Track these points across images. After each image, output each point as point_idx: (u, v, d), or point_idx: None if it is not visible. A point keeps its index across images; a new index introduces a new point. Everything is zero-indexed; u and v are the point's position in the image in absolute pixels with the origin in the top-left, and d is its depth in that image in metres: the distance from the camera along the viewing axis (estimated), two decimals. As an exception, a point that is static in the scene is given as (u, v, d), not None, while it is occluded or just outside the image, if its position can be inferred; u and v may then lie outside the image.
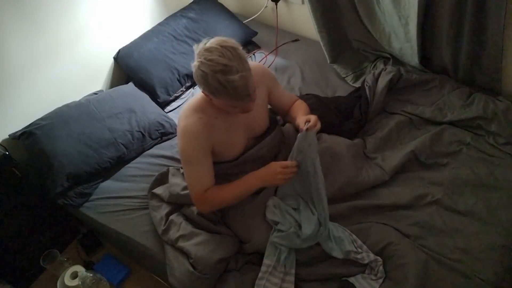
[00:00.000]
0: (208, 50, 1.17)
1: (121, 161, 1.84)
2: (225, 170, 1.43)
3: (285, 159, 1.38)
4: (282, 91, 1.58)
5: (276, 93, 1.52)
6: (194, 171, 1.36)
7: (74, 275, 1.66)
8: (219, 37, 1.21)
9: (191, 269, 1.33)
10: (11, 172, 1.67)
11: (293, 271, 1.32)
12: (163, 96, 2.07)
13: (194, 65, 1.21)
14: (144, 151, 1.90)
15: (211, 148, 1.35)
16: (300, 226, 1.33)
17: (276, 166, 1.32)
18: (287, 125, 1.62)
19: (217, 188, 1.37)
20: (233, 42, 1.20)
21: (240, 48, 1.20)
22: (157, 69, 2.08)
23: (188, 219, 1.48)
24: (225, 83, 1.16)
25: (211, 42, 1.19)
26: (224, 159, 1.42)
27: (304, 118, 1.35)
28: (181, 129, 1.34)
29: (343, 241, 1.31)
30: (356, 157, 1.55)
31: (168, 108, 2.11)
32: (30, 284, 1.91)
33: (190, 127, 1.31)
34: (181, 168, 1.64)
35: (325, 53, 2.09)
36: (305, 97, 1.74)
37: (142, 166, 1.84)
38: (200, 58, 1.18)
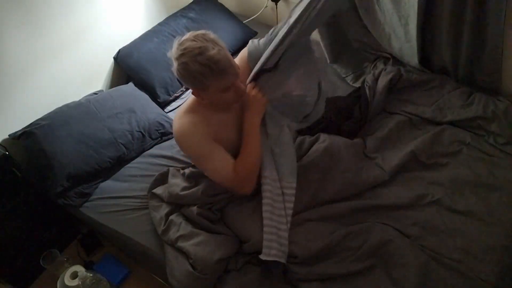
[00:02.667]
0: (180, 44, 1.20)
1: (121, 161, 1.84)
2: None
3: None
4: None
5: None
6: (213, 161, 1.34)
7: (74, 275, 1.66)
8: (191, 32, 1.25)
9: (191, 269, 1.33)
10: (11, 172, 1.67)
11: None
12: (163, 96, 2.08)
13: (174, 67, 1.23)
14: (144, 151, 1.90)
15: (212, 136, 1.34)
16: None
17: (250, 95, 1.33)
18: None
19: (241, 160, 1.35)
20: (202, 31, 1.23)
21: (212, 33, 1.24)
22: (157, 69, 2.09)
23: (188, 219, 1.48)
24: (206, 62, 1.18)
25: (181, 39, 1.23)
26: None
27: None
28: (176, 131, 1.34)
29: None
30: (356, 157, 1.55)
31: (168, 108, 2.11)
32: (30, 284, 1.91)
33: (184, 126, 1.32)
34: (182, 168, 1.64)
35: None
36: (305, 97, 1.74)
37: (142, 166, 1.84)
38: (176, 55, 1.21)
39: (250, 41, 1.42)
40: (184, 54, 1.18)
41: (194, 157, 1.39)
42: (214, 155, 1.33)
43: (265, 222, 1.34)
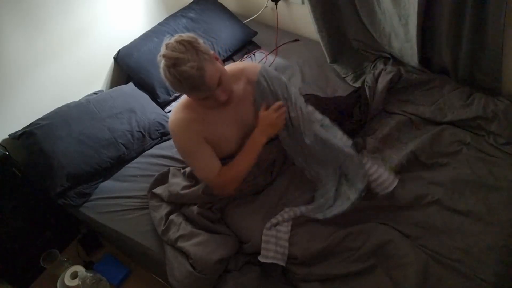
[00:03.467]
0: (165, 46, 1.21)
1: (121, 161, 1.84)
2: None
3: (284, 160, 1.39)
4: None
5: None
6: (199, 159, 1.38)
7: (74, 275, 1.66)
8: (180, 34, 1.24)
9: (191, 269, 1.33)
10: (11, 172, 1.67)
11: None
12: (163, 96, 2.07)
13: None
14: (144, 151, 1.90)
15: (205, 135, 1.36)
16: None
17: (269, 113, 1.36)
18: None
19: (228, 166, 1.38)
20: (190, 36, 1.22)
21: (198, 41, 1.22)
22: (157, 69, 2.01)
23: (188, 219, 1.48)
24: (177, 75, 1.18)
25: (170, 39, 1.23)
26: (220, 154, 1.41)
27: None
28: (170, 126, 1.38)
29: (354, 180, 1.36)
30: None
31: (168, 108, 2.11)
32: (30, 284, 1.90)
33: (177, 121, 1.35)
34: (182, 168, 1.64)
35: (325, 53, 2.09)
36: (305, 97, 1.74)
37: (142, 166, 1.84)
38: (159, 57, 1.21)
39: (262, 68, 1.42)
40: (162, 61, 1.20)
41: (182, 153, 1.43)
42: (201, 155, 1.36)
43: (266, 225, 1.35)
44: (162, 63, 1.21)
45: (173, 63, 1.17)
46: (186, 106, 1.37)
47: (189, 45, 1.19)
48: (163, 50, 1.21)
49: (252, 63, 1.49)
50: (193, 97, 1.30)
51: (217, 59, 1.28)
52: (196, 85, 1.20)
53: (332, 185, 1.41)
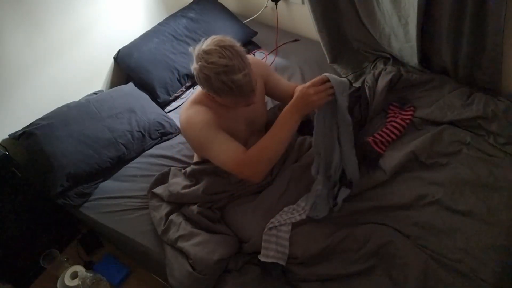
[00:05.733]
0: (207, 52, 1.17)
1: (121, 161, 1.84)
2: None
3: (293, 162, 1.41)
4: (278, 78, 1.57)
5: (272, 80, 1.52)
6: (220, 144, 1.28)
7: (74, 275, 1.66)
8: (215, 37, 1.21)
9: (191, 269, 1.33)
10: (11, 172, 1.67)
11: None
12: (163, 96, 2.07)
13: (194, 68, 1.21)
14: (144, 151, 1.90)
15: (219, 125, 1.31)
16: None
17: (305, 88, 1.18)
18: None
19: (256, 145, 1.25)
20: (229, 40, 1.20)
21: (238, 44, 1.21)
22: (157, 69, 2.08)
23: (187, 219, 1.48)
24: (229, 83, 1.16)
25: (208, 43, 1.19)
26: None
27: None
28: (183, 122, 1.34)
29: None
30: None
31: (168, 108, 2.11)
32: (30, 284, 1.90)
33: (191, 115, 1.32)
34: (182, 168, 1.64)
35: (325, 53, 2.09)
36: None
37: (142, 166, 1.84)
38: (200, 61, 1.18)
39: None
40: (208, 67, 1.16)
41: (199, 143, 1.33)
42: (220, 139, 1.29)
43: (268, 225, 1.35)
44: (205, 69, 1.17)
45: (224, 71, 1.15)
46: (197, 102, 1.35)
47: (234, 51, 1.17)
48: (206, 56, 1.16)
49: (251, 57, 1.47)
50: (229, 100, 1.26)
51: None
52: (246, 92, 1.20)
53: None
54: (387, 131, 1.61)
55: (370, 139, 1.59)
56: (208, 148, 1.31)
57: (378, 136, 1.60)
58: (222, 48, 1.16)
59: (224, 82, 1.17)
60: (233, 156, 1.27)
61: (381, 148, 1.57)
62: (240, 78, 1.16)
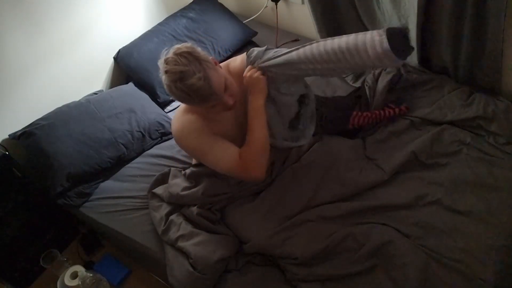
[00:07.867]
0: (165, 62, 1.18)
1: (121, 161, 1.84)
2: None
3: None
4: None
5: None
6: (216, 150, 1.32)
7: (74, 275, 1.66)
8: (176, 45, 1.21)
9: (191, 269, 1.33)
10: (11, 172, 1.67)
11: None
12: (163, 96, 2.07)
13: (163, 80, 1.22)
14: (144, 151, 1.90)
15: (212, 131, 1.33)
16: None
17: (246, 77, 1.32)
18: None
19: (245, 146, 1.32)
20: (188, 46, 1.21)
21: (196, 49, 1.21)
22: (157, 69, 2.03)
23: (188, 219, 1.48)
24: (185, 89, 1.17)
25: (168, 53, 1.20)
26: None
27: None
28: (176, 132, 1.35)
29: None
30: (356, 158, 1.55)
31: (168, 108, 2.11)
32: (30, 284, 1.91)
33: (183, 124, 1.34)
34: (183, 169, 1.64)
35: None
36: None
37: (142, 166, 1.84)
38: (161, 72, 1.20)
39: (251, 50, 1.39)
40: (166, 77, 1.18)
41: (195, 152, 1.38)
42: (216, 145, 1.32)
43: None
44: (165, 79, 1.19)
45: (179, 78, 1.15)
46: (187, 111, 1.35)
47: (190, 56, 1.17)
48: (163, 66, 1.18)
49: (233, 58, 1.48)
50: (202, 106, 1.28)
51: (216, 63, 1.27)
52: (205, 95, 1.19)
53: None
54: (369, 114, 1.67)
55: (354, 112, 1.65)
56: (205, 156, 1.36)
57: (361, 115, 1.66)
58: (178, 56, 1.17)
59: (181, 89, 1.17)
60: (232, 161, 1.31)
61: (353, 123, 1.66)
62: (194, 82, 1.15)
